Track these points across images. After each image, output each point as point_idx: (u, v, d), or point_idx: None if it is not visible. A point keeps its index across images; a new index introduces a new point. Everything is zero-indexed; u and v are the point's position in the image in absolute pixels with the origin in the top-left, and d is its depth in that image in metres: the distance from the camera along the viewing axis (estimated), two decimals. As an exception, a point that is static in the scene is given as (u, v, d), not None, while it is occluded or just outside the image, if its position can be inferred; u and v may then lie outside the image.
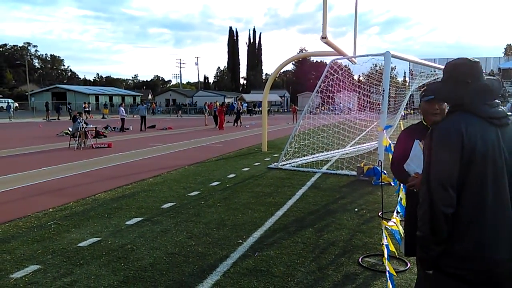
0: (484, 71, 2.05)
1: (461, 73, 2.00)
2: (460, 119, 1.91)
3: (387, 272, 3.50)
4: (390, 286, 3.26)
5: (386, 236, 4.09)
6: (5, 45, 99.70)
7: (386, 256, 3.86)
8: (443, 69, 2.13)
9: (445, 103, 2.97)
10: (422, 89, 3.03)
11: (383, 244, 4.04)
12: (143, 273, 4.25)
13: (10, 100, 64.01)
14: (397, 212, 4.51)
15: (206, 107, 33.43)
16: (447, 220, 1.84)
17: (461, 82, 1.99)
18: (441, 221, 1.83)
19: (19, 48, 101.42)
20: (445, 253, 1.89)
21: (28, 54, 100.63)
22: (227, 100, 63.13)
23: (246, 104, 57.18)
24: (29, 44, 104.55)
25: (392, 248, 4.00)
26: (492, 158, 1.87)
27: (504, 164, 1.89)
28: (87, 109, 43.30)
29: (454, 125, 1.90)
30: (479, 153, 1.85)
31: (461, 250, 1.86)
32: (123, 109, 25.54)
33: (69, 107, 37.03)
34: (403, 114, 21.49)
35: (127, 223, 5.94)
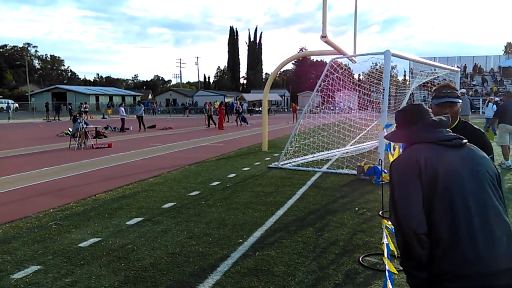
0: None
1: (408, 116, 2.20)
2: (414, 149, 2.04)
3: (386, 271, 3.49)
4: (390, 285, 3.26)
5: (386, 235, 4.09)
6: (5, 45, 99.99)
7: (386, 255, 3.86)
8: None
9: (457, 107, 2.99)
10: (433, 90, 3.01)
11: (383, 243, 4.04)
12: (144, 273, 4.25)
13: (10, 101, 64.04)
14: None
15: (207, 107, 33.35)
16: (422, 243, 1.86)
17: (410, 123, 2.16)
18: (416, 246, 1.86)
19: (19, 49, 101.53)
20: (433, 275, 1.89)
21: (28, 54, 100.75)
22: (227, 100, 63.13)
23: (246, 104, 57.13)
24: (29, 44, 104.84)
25: (392, 247, 3.99)
26: (456, 177, 1.91)
27: (468, 182, 1.91)
28: (86, 109, 43.47)
29: (408, 156, 2.03)
30: (440, 175, 1.90)
31: (445, 270, 1.84)
32: (123, 109, 25.55)
33: (70, 107, 37.03)
34: None
35: (128, 223, 5.94)
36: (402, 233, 1.90)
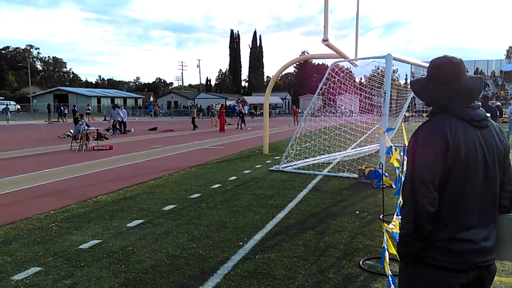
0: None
1: (442, 74, 2.02)
2: (444, 121, 1.96)
3: (389, 276, 3.49)
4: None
5: (387, 239, 4.09)
6: (8, 47, 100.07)
7: (386, 259, 3.85)
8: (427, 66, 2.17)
9: None
10: None
11: (384, 246, 4.04)
12: (144, 275, 4.25)
13: (12, 102, 64.07)
14: (397, 215, 4.50)
15: (214, 110, 33.08)
16: (430, 218, 1.91)
17: (441, 83, 2.02)
18: (425, 220, 1.90)
19: (21, 51, 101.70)
20: (425, 246, 1.96)
21: (31, 56, 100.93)
22: (228, 103, 63.19)
23: (247, 107, 57.17)
24: (31, 46, 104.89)
25: (393, 251, 3.99)
26: (473, 159, 1.92)
27: (484, 165, 1.96)
28: (88, 111, 43.74)
29: (438, 127, 1.95)
30: (462, 155, 1.90)
31: (440, 243, 1.93)
32: (124, 111, 25.58)
33: (75, 109, 36.98)
34: (405, 115, 21.48)
35: (128, 225, 5.95)
36: (416, 208, 1.89)
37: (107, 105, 67.10)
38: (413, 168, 1.93)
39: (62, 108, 40.97)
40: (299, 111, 41.47)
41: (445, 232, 1.93)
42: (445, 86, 2.00)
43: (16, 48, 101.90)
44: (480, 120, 1.99)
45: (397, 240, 2.11)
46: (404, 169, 5.21)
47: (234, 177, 9.69)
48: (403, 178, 5.12)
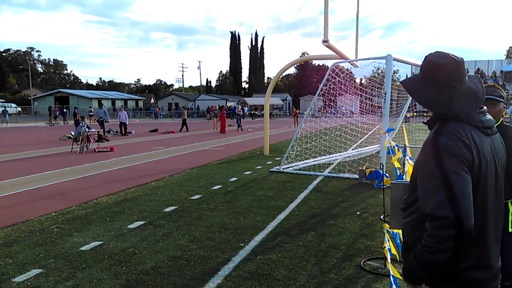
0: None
1: (445, 75, 1.75)
2: (460, 130, 1.70)
3: (391, 276, 3.49)
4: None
5: (388, 240, 4.09)
6: (9, 50, 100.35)
7: (389, 259, 3.85)
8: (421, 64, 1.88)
9: (500, 107, 2.74)
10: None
11: (385, 247, 4.04)
12: (145, 276, 4.24)
13: (12, 105, 64.09)
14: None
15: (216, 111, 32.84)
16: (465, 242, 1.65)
17: (446, 86, 1.75)
18: (466, 240, 1.64)
19: (22, 53, 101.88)
20: (444, 277, 1.77)
21: (31, 59, 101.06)
22: (229, 104, 63.22)
23: (247, 108, 57.16)
24: (32, 49, 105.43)
25: (394, 251, 3.99)
26: (490, 173, 1.74)
27: (495, 177, 1.78)
28: (90, 113, 43.74)
29: (459, 136, 1.68)
30: (483, 170, 1.70)
31: (462, 273, 1.74)
32: (125, 113, 25.59)
33: (75, 111, 36.85)
34: (406, 115, 21.45)
35: (129, 226, 5.95)
36: (459, 217, 1.59)
37: (108, 107, 67.18)
38: (449, 181, 1.63)
39: (65, 110, 41.09)
40: (299, 112, 41.29)
41: (470, 258, 1.72)
42: (450, 90, 1.74)
43: (17, 50, 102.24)
44: (491, 127, 1.80)
45: (415, 262, 1.76)
46: (406, 169, 5.20)
47: (235, 178, 9.69)
48: (404, 177, 5.11)
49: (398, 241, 4.51)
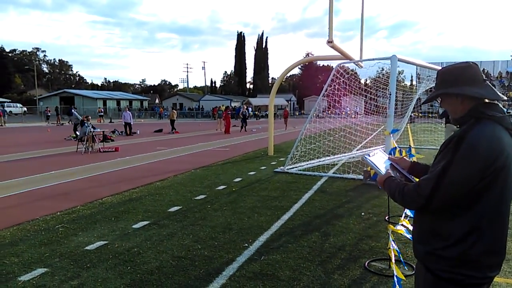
0: (492, 75, 2.01)
1: (475, 74, 1.94)
2: (492, 131, 1.81)
3: (394, 277, 3.48)
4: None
5: (393, 240, 4.08)
6: (14, 50, 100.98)
7: (393, 260, 3.85)
8: (438, 75, 2.05)
9: None
10: None
11: (389, 248, 4.03)
12: (150, 276, 4.26)
13: (18, 105, 64.38)
14: (406, 216, 4.48)
15: (221, 112, 32.30)
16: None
17: (478, 81, 1.92)
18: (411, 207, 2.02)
19: (28, 53, 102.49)
20: (458, 261, 1.86)
21: (37, 59, 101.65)
22: (233, 104, 63.25)
23: (251, 108, 57.13)
24: (38, 49, 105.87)
25: (395, 252, 3.98)
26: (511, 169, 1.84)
27: None
28: (101, 113, 44.43)
29: (488, 137, 1.79)
30: (505, 168, 1.80)
31: (476, 257, 1.83)
32: (130, 113, 25.68)
33: (71, 110, 36.82)
34: (411, 115, 21.38)
35: (134, 226, 5.97)
36: (428, 199, 1.84)
37: (113, 108, 67.40)
38: (443, 178, 1.80)
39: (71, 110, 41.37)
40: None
41: (482, 244, 1.83)
42: (482, 84, 1.91)
43: (23, 51, 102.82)
44: None
45: (393, 187, 2.05)
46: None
47: (239, 179, 9.70)
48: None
49: (411, 236, 4.49)
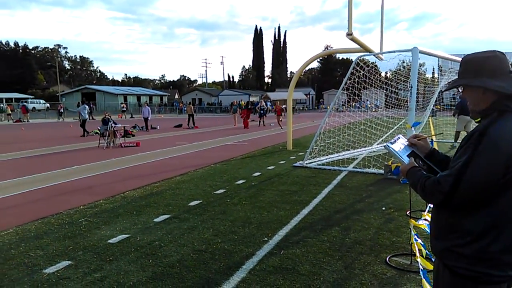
0: None
1: (496, 65, 1.87)
2: None
3: (421, 271, 3.43)
4: (426, 283, 3.20)
5: (415, 234, 4.02)
6: (37, 47, 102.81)
7: (417, 254, 3.79)
8: (462, 63, 1.97)
9: None
10: None
11: (412, 243, 3.98)
12: (171, 269, 4.31)
13: (41, 101, 65.63)
14: (430, 211, 4.41)
15: (236, 107, 32.34)
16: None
17: (503, 72, 1.85)
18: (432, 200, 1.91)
19: (50, 50, 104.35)
20: (476, 259, 1.81)
21: (59, 56, 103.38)
22: (251, 99, 63.25)
23: (269, 103, 57.02)
24: (59, 46, 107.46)
25: (419, 246, 3.92)
26: None
27: None
28: (124, 108, 45.47)
29: (509, 133, 1.73)
30: None
31: (493, 255, 1.79)
32: (148, 108, 25.95)
33: (90, 104, 37.23)
34: (434, 109, 21.00)
35: (155, 220, 6.04)
36: (448, 192, 1.78)
37: (134, 103, 68.26)
38: (463, 173, 1.75)
39: (91, 106, 42.14)
40: (285, 111, 37.59)
41: (501, 242, 1.78)
42: (510, 75, 1.84)
43: (45, 47, 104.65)
44: None
45: (416, 178, 1.98)
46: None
47: (258, 173, 9.70)
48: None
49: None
